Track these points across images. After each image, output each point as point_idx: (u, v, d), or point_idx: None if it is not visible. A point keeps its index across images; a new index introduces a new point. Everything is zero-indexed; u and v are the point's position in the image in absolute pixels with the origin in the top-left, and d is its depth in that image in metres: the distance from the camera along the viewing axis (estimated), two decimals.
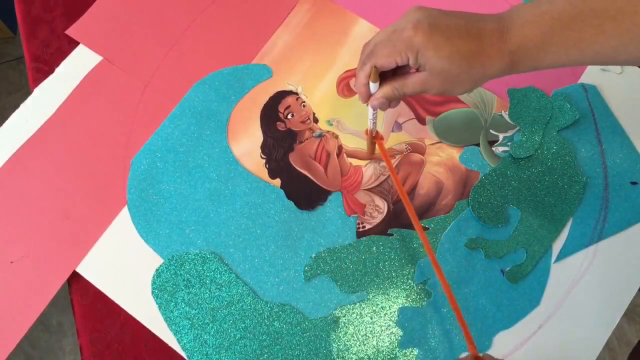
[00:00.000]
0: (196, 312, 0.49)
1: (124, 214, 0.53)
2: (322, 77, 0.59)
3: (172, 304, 0.50)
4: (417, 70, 0.40)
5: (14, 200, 0.54)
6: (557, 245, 0.52)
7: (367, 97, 0.43)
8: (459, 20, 0.38)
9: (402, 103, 0.57)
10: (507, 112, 0.57)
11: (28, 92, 0.58)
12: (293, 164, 0.55)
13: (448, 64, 0.37)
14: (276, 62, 0.59)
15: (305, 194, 0.54)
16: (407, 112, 0.57)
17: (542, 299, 0.50)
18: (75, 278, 0.51)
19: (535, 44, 0.37)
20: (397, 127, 0.57)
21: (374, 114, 0.47)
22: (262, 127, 0.57)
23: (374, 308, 0.50)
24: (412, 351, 0.49)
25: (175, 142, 0.56)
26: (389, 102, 0.43)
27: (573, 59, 0.38)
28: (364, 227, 0.53)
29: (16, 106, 0.57)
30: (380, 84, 0.42)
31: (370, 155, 0.55)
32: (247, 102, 0.58)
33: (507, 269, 0.51)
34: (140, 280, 0.51)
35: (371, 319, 0.50)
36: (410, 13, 0.38)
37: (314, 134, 0.57)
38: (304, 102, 0.58)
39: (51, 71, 0.59)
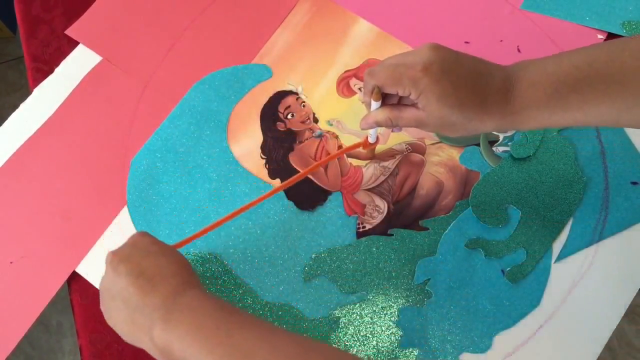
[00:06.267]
0: None
1: (124, 214, 0.53)
2: (322, 77, 0.59)
3: None
4: (415, 105, 0.40)
5: (14, 200, 0.54)
6: (558, 246, 0.52)
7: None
8: (469, 70, 0.38)
9: None
10: None
11: (28, 92, 0.58)
12: (293, 164, 0.55)
13: (448, 113, 0.38)
14: (276, 62, 0.59)
15: (305, 194, 0.54)
16: None
17: (543, 299, 0.50)
18: (75, 278, 0.51)
19: (539, 105, 0.37)
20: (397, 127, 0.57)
21: (374, 129, 0.47)
22: (262, 127, 0.57)
23: (374, 308, 0.50)
24: (412, 351, 0.49)
25: (175, 142, 0.56)
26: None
27: (576, 120, 0.38)
28: (364, 227, 0.53)
29: (16, 106, 0.57)
30: (382, 104, 0.42)
31: (370, 157, 0.55)
32: (247, 102, 0.58)
33: (508, 269, 0.51)
34: None
35: (371, 319, 0.50)
36: (425, 51, 0.38)
37: (314, 134, 0.56)
38: (304, 102, 0.58)
39: (51, 71, 0.59)
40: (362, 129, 0.46)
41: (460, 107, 0.37)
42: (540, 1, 0.61)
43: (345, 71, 0.59)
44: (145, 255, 0.40)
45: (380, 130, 0.56)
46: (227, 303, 0.39)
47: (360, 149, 0.55)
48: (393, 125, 0.42)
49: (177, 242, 0.46)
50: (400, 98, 0.42)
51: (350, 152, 0.55)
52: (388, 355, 0.48)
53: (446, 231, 0.52)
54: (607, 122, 0.38)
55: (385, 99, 0.42)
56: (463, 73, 0.38)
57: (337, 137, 0.56)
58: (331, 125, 0.57)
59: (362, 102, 0.45)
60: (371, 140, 0.50)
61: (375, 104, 0.42)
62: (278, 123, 0.57)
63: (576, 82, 0.36)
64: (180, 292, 0.38)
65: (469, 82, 0.37)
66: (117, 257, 0.40)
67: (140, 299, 0.38)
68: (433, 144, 0.56)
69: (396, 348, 0.49)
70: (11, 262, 0.52)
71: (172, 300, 0.37)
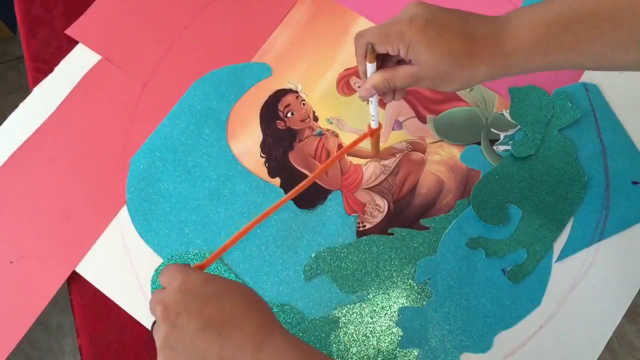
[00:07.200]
0: None
1: (123, 213, 0.53)
2: (322, 75, 0.58)
3: None
4: (410, 63, 0.40)
5: (13, 200, 0.54)
6: (558, 245, 0.52)
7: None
8: (456, 19, 0.38)
9: (402, 101, 0.57)
10: (508, 111, 0.56)
11: (28, 92, 0.58)
12: (293, 163, 0.55)
13: (438, 61, 0.37)
14: (276, 61, 0.59)
15: (305, 192, 0.54)
16: (407, 111, 0.57)
17: (543, 299, 0.50)
18: (74, 278, 0.51)
19: (531, 45, 0.37)
20: (398, 125, 0.57)
21: (375, 110, 0.47)
22: (261, 125, 0.57)
23: (374, 308, 0.50)
24: (412, 351, 0.48)
25: (174, 141, 0.56)
26: (384, 95, 0.44)
27: (570, 61, 0.37)
28: (364, 226, 0.53)
29: (16, 106, 0.57)
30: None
31: (375, 154, 0.55)
32: (246, 101, 0.57)
33: (508, 268, 0.51)
34: (139, 280, 0.51)
35: (371, 319, 0.50)
36: (410, 7, 0.39)
37: (313, 133, 0.56)
38: (304, 100, 0.58)
39: (51, 71, 0.58)
40: (362, 98, 0.45)
41: (450, 53, 0.37)
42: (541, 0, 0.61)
43: (345, 69, 0.59)
44: (204, 301, 0.34)
45: (382, 126, 0.56)
46: (314, 349, 0.36)
47: (368, 148, 0.54)
48: (390, 85, 0.42)
49: (201, 263, 0.41)
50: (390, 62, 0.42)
51: (353, 149, 0.55)
52: (388, 355, 0.48)
53: (447, 230, 0.52)
54: (603, 63, 0.37)
55: (381, 65, 0.42)
56: (449, 20, 0.37)
57: (337, 135, 0.56)
58: (331, 123, 0.57)
59: (361, 98, 0.44)
60: (374, 125, 0.49)
61: (370, 69, 0.42)
62: (278, 121, 0.57)
63: (567, 21, 0.36)
64: (261, 341, 0.34)
65: (455, 28, 0.37)
66: (172, 310, 0.34)
67: (216, 355, 0.33)
68: (434, 142, 0.56)
69: (396, 348, 0.48)
70: (11, 262, 0.51)
71: (257, 355, 0.33)
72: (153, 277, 0.51)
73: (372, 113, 0.48)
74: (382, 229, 0.53)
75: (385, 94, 0.44)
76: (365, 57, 0.41)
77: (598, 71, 0.57)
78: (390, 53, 0.39)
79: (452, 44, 0.37)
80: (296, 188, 0.47)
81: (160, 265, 0.51)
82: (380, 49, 0.39)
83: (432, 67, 0.38)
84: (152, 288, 0.50)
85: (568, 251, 0.52)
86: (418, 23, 0.37)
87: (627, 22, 0.35)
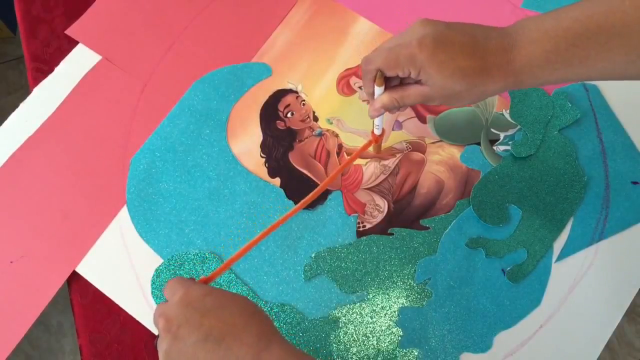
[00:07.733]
0: None
1: (123, 213, 0.53)
2: (322, 76, 0.58)
3: None
4: (419, 82, 0.40)
5: (14, 200, 0.54)
6: (558, 245, 0.52)
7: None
8: (464, 37, 0.37)
9: None
10: (508, 111, 0.56)
11: (28, 92, 0.58)
12: (293, 163, 0.55)
13: (450, 82, 0.37)
14: (276, 61, 0.59)
15: (305, 193, 0.54)
16: (407, 111, 0.57)
17: (543, 299, 0.50)
18: (75, 278, 0.51)
19: (540, 62, 0.37)
20: (398, 125, 0.57)
21: (380, 119, 0.47)
22: (261, 125, 0.57)
23: (374, 308, 0.50)
24: (412, 351, 0.48)
25: (174, 141, 0.56)
26: (391, 110, 0.44)
27: (579, 75, 0.37)
28: (364, 226, 0.53)
29: (16, 106, 0.57)
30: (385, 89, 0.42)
31: (376, 153, 0.55)
32: (246, 101, 0.58)
33: (508, 268, 0.51)
34: (139, 280, 0.51)
35: (371, 319, 0.50)
36: (417, 27, 0.38)
37: (313, 133, 0.56)
38: (304, 100, 0.58)
39: (51, 71, 0.58)
40: (372, 117, 0.45)
41: (462, 74, 0.37)
42: (541, 0, 0.61)
43: (346, 69, 0.59)
44: (204, 313, 0.35)
45: (384, 125, 0.56)
46: (312, 358, 0.36)
47: (371, 148, 0.54)
48: (400, 105, 0.42)
49: (207, 276, 0.41)
50: (402, 79, 0.42)
51: (350, 150, 0.55)
52: (388, 355, 0.48)
53: (447, 230, 0.52)
54: (612, 76, 0.37)
55: (386, 83, 0.42)
56: (458, 41, 0.37)
57: (337, 135, 0.56)
58: (331, 123, 0.57)
59: (363, 100, 0.44)
60: (377, 132, 0.50)
61: (378, 90, 0.42)
62: (278, 122, 0.57)
63: (575, 36, 0.36)
64: (259, 351, 0.34)
65: (465, 48, 0.37)
66: (174, 322, 0.35)
67: None
68: (434, 142, 0.56)
69: (396, 348, 0.49)
70: (11, 262, 0.51)
71: None
72: (153, 277, 0.51)
73: (377, 124, 0.48)
74: (382, 229, 0.53)
75: (392, 110, 0.44)
76: (374, 80, 0.41)
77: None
78: (401, 76, 0.39)
79: (463, 65, 0.37)
80: (308, 196, 0.47)
81: (160, 265, 0.51)
82: (390, 73, 0.39)
83: (444, 88, 0.38)
84: (152, 288, 0.50)
85: (568, 251, 0.52)
86: (427, 45, 0.37)
87: (636, 37, 0.34)
